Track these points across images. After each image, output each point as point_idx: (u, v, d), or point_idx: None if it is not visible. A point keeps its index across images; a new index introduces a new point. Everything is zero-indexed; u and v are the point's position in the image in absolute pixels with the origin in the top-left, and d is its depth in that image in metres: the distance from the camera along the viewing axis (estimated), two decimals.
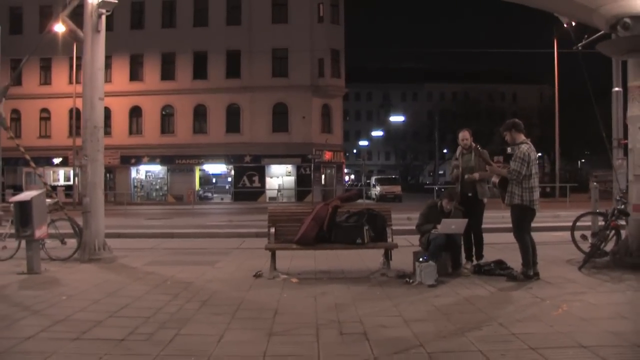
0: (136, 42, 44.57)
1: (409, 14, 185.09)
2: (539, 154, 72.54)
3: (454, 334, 5.34)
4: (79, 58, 40.24)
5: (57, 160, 46.60)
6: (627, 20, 8.90)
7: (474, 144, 9.24)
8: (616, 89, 11.48)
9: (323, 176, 47.98)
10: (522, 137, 8.32)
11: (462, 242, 8.96)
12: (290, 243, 8.74)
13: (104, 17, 11.06)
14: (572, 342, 4.95)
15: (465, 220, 8.56)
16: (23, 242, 9.81)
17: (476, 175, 8.99)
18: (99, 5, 10.85)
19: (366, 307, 6.48)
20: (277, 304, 6.71)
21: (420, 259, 8.03)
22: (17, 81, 41.79)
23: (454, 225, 8.43)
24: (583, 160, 73.70)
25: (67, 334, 5.38)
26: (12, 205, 9.85)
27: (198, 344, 5.11)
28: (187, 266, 9.79)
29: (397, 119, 76.03)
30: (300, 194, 44.50)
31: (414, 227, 9.29)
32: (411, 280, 7.98)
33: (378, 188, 49.58)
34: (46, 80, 47.81)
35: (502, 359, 4.56)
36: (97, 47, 11.13)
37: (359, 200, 35.35)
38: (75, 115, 41.44)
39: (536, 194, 8.07)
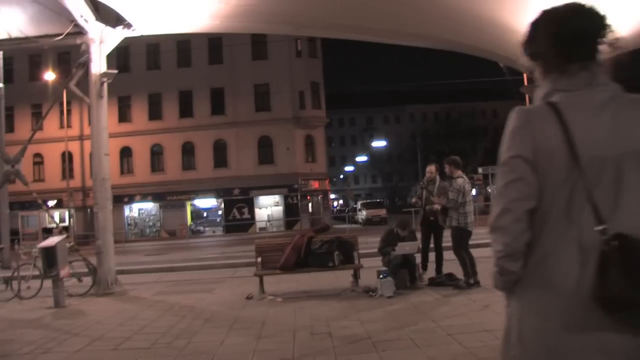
0: (123, 85, 46.15)
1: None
2: None
3: (395, 329, 7.17)
4: (69, 103, 42.23)
5: (51, 203, 47.94)
6: None
7: (438, 178, 11.16)
8: None
9: (310, 204, 49.73)
10: (459, 172, 10.25)
11: (421, 254, 10.83)
12: (275, 269, 10.53)
13: (105, 85, 12.88)
14: (480, 329, 6.77)
15: (417, 243, 10.49)
16: (45, 283, 11.60)
17: (436, 206, 10.80)
18: (102, 76, 12.69)
19: (334, 316, 8.28)
20: (264, 318, 8.47)
21: (381, 276, 9.82)
22: (10, 129, 43.36)
23: (408, 247, 10.29)
24: None
25: (106, 347, 7.14)
26: (34, 250, 11.65)
27: (205, 347, 6.85)
28: (189, 294, 11.52)
29: (379, 144, 77.86)
30: (289, 223, 46.06)
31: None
32: (374, 294, 9.76)
33: (364, 212, 51.17)
34: (39, 125, 49.31)
35: (425, 342, 6.36)
36: (101, 110, 12.93)
37: (345, 225, 37.33)
38: (67, 158, 43.28)
39: (470, 218, 9.94)
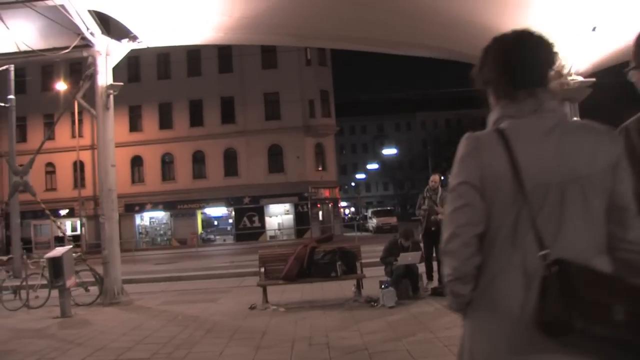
0: (134, 94, 46.57)
1: None
2: None
3: (393, 340, 7.22)
4: (80, 113, 42.49)
5: (63, 212, 48.31)
6: None
7: (440, 188, 11.25)
8: None
9: (320, 212, 49.78)
10: None
11: (424, 265, 10.91)
12: (278, 279, 10.61)
13: (112, 97, 13.03)
14: None
15: (420, 253, 10.54)
16: (52, 292, 11.73)
17: (440, 215, 10.89)
18: (108, 88, 12.85)
19: (334, 326, 8.35)
20: (265, 328, 8.56)
21: (383, 286, 9.88)
22: (22, 139, 43.76)
23: (410, 257, 10.35)
24: None
25: (107, 357, 7.24)
26: (42, 260, 11.81)
27: (204, 358, 6.95)
28: (194, 304, 11.63)
29: (390, 151, 77.72)
30: (299, 231, 46.15)
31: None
32: (375, 304, 9.81)
33: (374, 220, 51.12)
34: (50, 135, 49.74)
35: (421, 353, 6.41)
36: (107, 122, 13.07)
37: (355, 234, 37.34)
38: (79, 168, 43.59)
39: None
